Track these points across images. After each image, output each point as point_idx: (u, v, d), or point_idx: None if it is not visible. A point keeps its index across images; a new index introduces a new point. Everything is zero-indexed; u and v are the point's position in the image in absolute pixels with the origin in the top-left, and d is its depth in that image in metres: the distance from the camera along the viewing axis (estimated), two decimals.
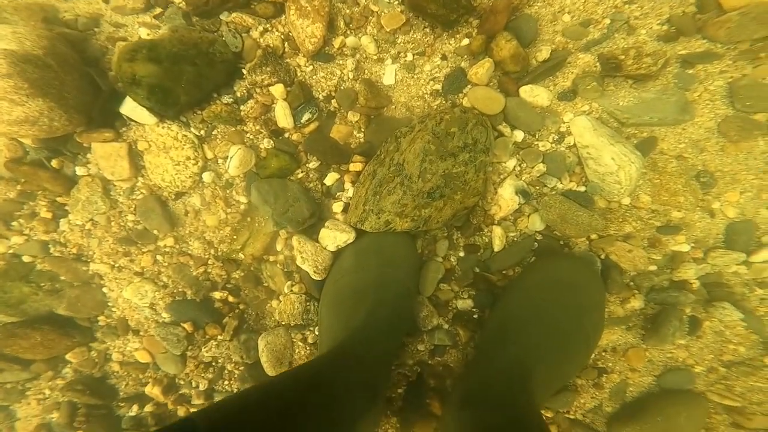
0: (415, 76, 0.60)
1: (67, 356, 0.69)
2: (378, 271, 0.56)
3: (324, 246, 0.61)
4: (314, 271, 0.61)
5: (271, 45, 0.60)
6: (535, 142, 0.59)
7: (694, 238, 0.57)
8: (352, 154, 0.61)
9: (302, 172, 0.62)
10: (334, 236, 0.60)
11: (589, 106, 0.58)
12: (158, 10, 0.62)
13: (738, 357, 0.59)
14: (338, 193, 0.62)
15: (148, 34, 0.62)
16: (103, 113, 0.63)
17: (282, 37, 0.61)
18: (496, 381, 0.48)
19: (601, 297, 0.54)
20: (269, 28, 0.61)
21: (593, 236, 0.59)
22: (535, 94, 0.58)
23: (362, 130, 0.62)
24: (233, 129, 0.62)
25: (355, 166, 0.61)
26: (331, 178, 0.62)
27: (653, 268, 0.58)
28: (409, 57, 0.60)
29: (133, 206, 0.65)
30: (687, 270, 0.57)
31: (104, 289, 0.69)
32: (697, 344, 0.60)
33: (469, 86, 0.60)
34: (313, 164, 0.62)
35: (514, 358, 0.49)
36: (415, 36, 0.60)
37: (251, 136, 0.62)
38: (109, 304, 0.69)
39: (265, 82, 0.60)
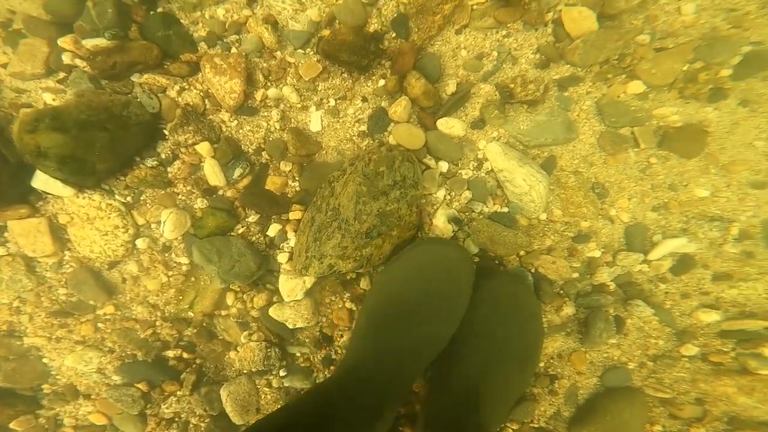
0: (341, 120, 0.63)
1: (12, 425, 0.66)
2: (432, 293, 0.52)
3: (287, 293, 0.63)
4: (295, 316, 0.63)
5: (191, 103, 0.60)
6: (459, 171, 0.65)
7: (603, 244, 0.65)
8: (291, 204, 0.63)
9: (243, 227, 0.63)
10: (293, 283, 0.63)
11: (497, 132, 0.64)
12: (62, 75, 0.59)
13: (660, 350, 0.66)
14: (282, 244, 0.64)
15: (53, 100, 0.59)
16: (14, 187, 0.59)
17: (201, 94, 0.60)
18: (450, 404, 0.50)
19: (538, 308, 0.59)
20: (186, 87, 0.60)
21: (521, 253, 0.66)
22: (451, 125, 0.64)
23: (296, 178, 0.64)
24: (163, 192, 0.62)
25: (295, 215, 0.63)
26: (273, 230, 0.63)
27: (576, 275, 0.65)
28: (332, 102, 0.63)
29: (63, 280, 0.63)
30: (602, 274, 0.65)
31: (44, 360, 0.66)
32: (626, 342, 0.67)
33: (392, 124, 0.64)
34: (253, 218, 0.63)
35: (464, 379, 0.51)
36: (334, 82, 0.62)
37: (183, 198, 0.62)
38: (53, 372, 0.67)
39: (190, 141, 0.59)
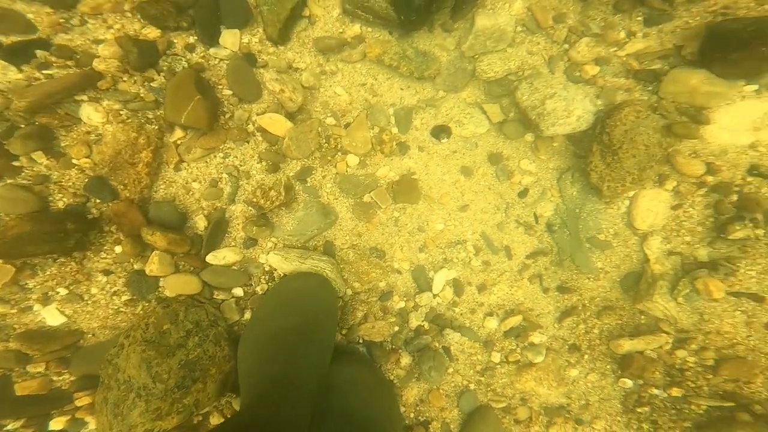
0: (91, 301, 0.56)
1: None
2: (298, 318, 0.56)
3: None
4: None
5: None
6: (255, 288, 0.65)
7: (402, 294, 0.73)
8: (71, 394, 0.57)
9: None
10: None
11: (271, 242, 0.68)
12: None
13: (482, 364, 0.74)
14: (82, 430, 0.56)
15: None
16: None
17: None
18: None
19: (389, 383, 0.66)
20: None
21: (343, 331, 0.68)
22: (222, 256, 0.64)
23: (64, 371, 0.57)
24: None
25: (83, 401, 0.56)
26: (58, 423, 0.56)
27: (396, 328, 0.71)
28: (63, 291, 0.56)
29: None
30: (413, 318, 0.72)
31: None
32: (460, 366, 0.73)
33: (161, 279, 0.60)
34: (15, 424, 0.53)
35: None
36: (51, 272, 0.56)
37: None
38: None
39: None
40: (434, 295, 0.72)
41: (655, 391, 0.69)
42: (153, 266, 0.58)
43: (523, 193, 0.70)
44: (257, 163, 0.68)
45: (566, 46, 0.67)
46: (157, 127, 0.62)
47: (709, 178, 0.65)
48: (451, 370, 0.71)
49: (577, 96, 0.64)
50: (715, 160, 0.65)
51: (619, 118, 0.61)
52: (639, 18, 0.66)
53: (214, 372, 0.56)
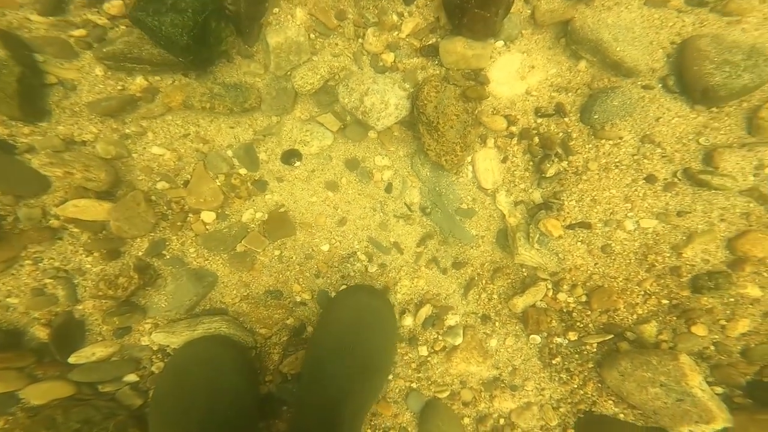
0: None
1: None
2: (205, 388, 0.55)
3: None
4: None
5: None
6: (151, 369, 0.65)
7: (315, 321, 0.71)
8: None
9: None
10: None
11: (148, 324, 0.64)
12: None
13: (415, 361, 0.70)
14: None
15: None
16: None
17: None
18: (314, 425, 0.54)
19: (394, 321, 0.64)
20: None
21: (268, 377, 0.65)
22: (90, 353, 0.61)
23: None
24: None
25: None
26: None
27: None
28: None
29: None
30: None
31: None
32: (398, 370, 0.70)
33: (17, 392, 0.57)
34: None
35: (325, 400, 0.55)
36: None
37: None
38: None
39: None
40: None
41: (558, 340, 0.70)
42: None
43: (388, 188, 0.70)
44: (86, 256, 0.63)
45: (360, 40, 0.68)
46: None
47: (513, 128, 0.69)
48: (390, 377, 0.70)
49: (387, 86, 0.65)
50: (510, 111, 0.69)
51: (424, 97, 0.63)
52: None
53: None
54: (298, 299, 0.70)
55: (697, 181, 0.66)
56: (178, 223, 0.65)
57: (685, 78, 0.65)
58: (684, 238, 0.67)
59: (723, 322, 0.67)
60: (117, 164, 0.64)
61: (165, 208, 0.65)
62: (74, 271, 0.62)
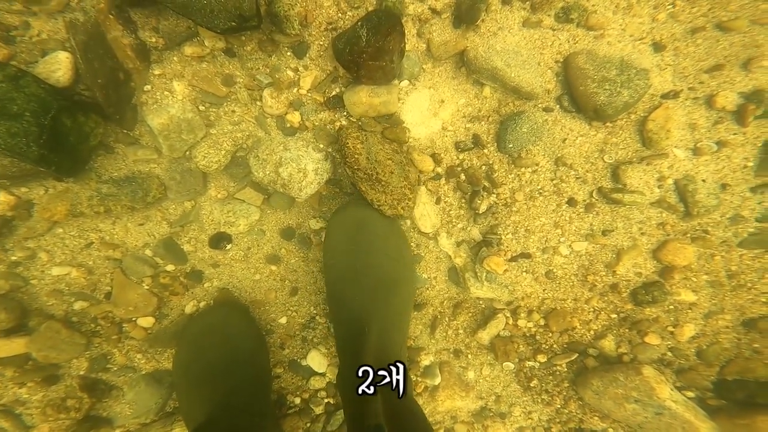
0: None
1: None
2: (221, 351, 0.56)
3: None
4: None
5: None
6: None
7: (292, 385, 0.71)
8: None
9: None
10: None
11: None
12: None
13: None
14: None
15: None
16: None
17: None
18: (342, 342, 0.54)
19: (400, 228, 0.63)
20: None
21: None
22: None
23: None
24: None
25: None
26: None
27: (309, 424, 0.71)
28: None
29: None
30: (316, 408, 0.71)
31: None
32: None
33: None
34: None
35: (348, 318, 0.53)
36: None
37: None
38: None
39: None
40: (322, 375, 0.70)
41: (530, 363, 0.71)
42: None
43: None
44: (19, 388, 0.60)
45: (258, 103, 0.58)
46: None
47: (439, 168, 0.64)
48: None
49: (300, 151, 0.57)
50: (434, 150, 0.63)
51: (352, 152, 0.55)
52: (289, 53, 0.58)
53: None
54: (272, 374, 0.69)
55: (612, 200, 0.65)
56: (114, 337, 0.62)
57: (575, 98, 0.63)
58: (614, 255, 0.67)
59: (671, 329, 0.68)
60: (16, 296, 0.57)
61: (93, 326, 0.60)
62: (11, 403, 0.60)
